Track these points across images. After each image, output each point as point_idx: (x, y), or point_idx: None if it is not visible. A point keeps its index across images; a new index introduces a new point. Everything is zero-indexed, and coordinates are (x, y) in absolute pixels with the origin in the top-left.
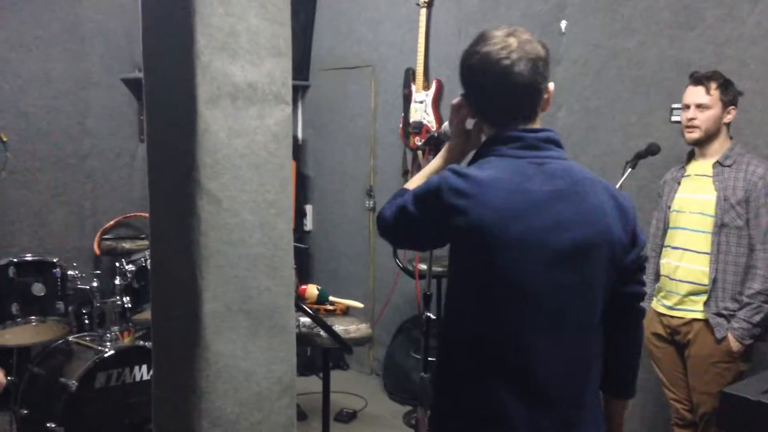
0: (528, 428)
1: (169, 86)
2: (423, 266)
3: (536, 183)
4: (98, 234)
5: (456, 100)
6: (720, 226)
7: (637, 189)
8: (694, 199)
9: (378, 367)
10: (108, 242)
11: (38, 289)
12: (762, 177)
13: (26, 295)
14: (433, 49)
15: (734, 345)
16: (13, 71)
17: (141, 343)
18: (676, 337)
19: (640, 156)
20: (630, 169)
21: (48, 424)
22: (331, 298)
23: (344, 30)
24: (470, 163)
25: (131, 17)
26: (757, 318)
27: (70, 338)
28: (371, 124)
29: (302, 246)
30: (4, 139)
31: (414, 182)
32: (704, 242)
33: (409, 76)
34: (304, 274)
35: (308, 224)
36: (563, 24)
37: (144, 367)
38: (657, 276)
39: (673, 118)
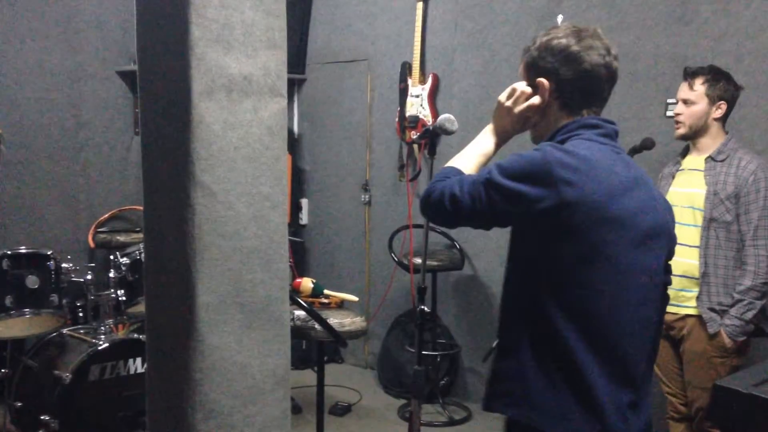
0: (612, 404)
1: (163, 78)
2: (418, 260)
3: (620, 168)
4: (93, 227)
5: (522, 85)
6: (709, 221)
7: None
8: (685, 192)
9: (373, 360)
10: (102, 235)
11: (32, 281)
12: (753, 172)
13: (20, 288)
14: (429, 43)
15: (727, 342)
16: (7, 63)
17: (135, 335)
18: (671, 332)
19: (635, 150)
20: None
21: (42, 417)
22: (325, 291)
23: (340, 23)
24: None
25: (126, 9)
26: (749, 315)
27: (64, 331)
28: (367, 118)
29: (298, 240)
30: None
31: (461, 161)
32: (695, 236)
33: (406, 70)
34: (299, 268)
35: (304, 218)
36: (559, 18)
37: (138, 360)
38: None
39: (668, 113)
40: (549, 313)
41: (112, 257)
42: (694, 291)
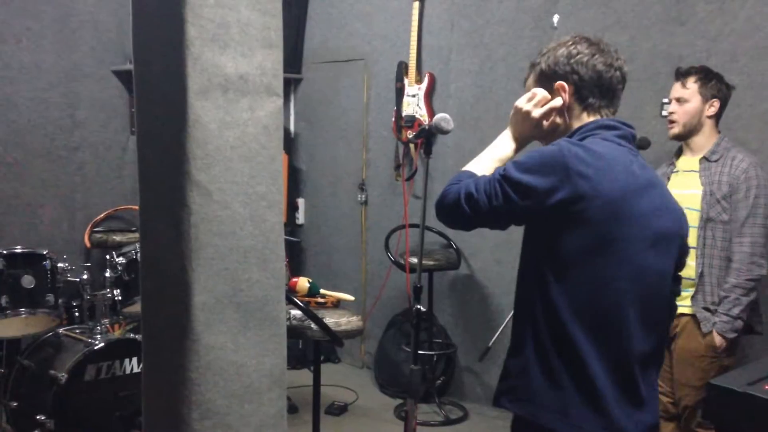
0: (615, 401)
1: (159, 78)
2: (414, 260)
3: (637, 169)
4: (89, 226)
5: (542, 90)
6: (706, 221)
7: None
8: (682, 194)
9: (369, 360)
10: (99, 235)
11: (28, 281)
12: (745, 171)
13: (16, 288)
14: (425, 42)
15: (717, 340)
16: (3, 63)
17: (131, 335)
18: None
19: None
20: None
21: (38, 417)
22: (322, 291)
23: (337, 23)
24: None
25: (122, 8)
26: (736, 311)
27: (60, 331)
28: (363, 118)
29: (294, 239)
30: None
31: (478, 166)
32: (691, 237)
33: (402, 69)
34: (296, 268)
35: (300, 218)
36: (556, 18)
37: (134, 360)
38: None
39: (664, 113)
40: (554, 307)
41: (108, 257)
42: (690, 291)
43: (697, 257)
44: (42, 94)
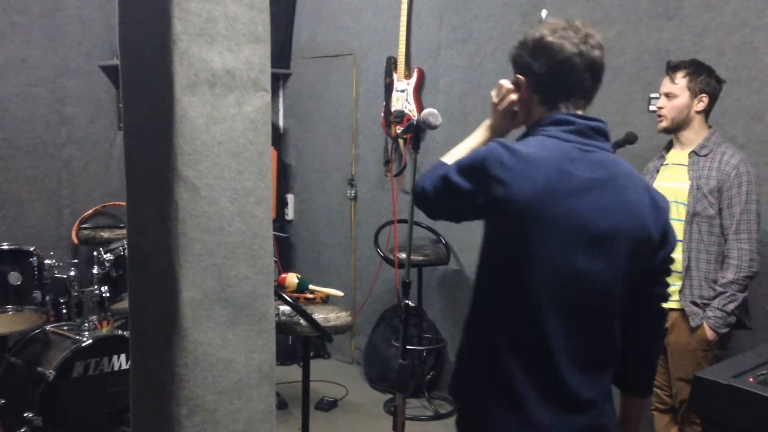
0: (536, 401)
1: (146, 73)
2: (402, 255)
3: (579, 168)
4: (76, 223)
5: (506, 82)
6: (692, 215)
7: None
8: (669, 187)
9: (359, 355)
10: (86, 231)
11: (15, 278)
12: (736, 167)
13: (2, 284)
14: (414, 37)
15: (709, 334)
16: None
17: (119, 332)
18: None
19: (618, 145)
20: None
21: (25, 414)
22: (310, 286)
23: (325, 18)
24: (518, 140)
25: (109, 3)
26: (731, 306)
27: (48, 327)
28: (353, 113)
29: (283, 235)
30: None
31: (451, 156)
32: (678, 231)
33: (391, 64)
34: (285, 264)
35: (290, 213)
36: (544, 13)
37: (122, 357)
38: None
39: (651, 108)
40: (484, 308)
41: (95, 253)
42: (677, 285)
43: (683, 251)
44: (29, 90)
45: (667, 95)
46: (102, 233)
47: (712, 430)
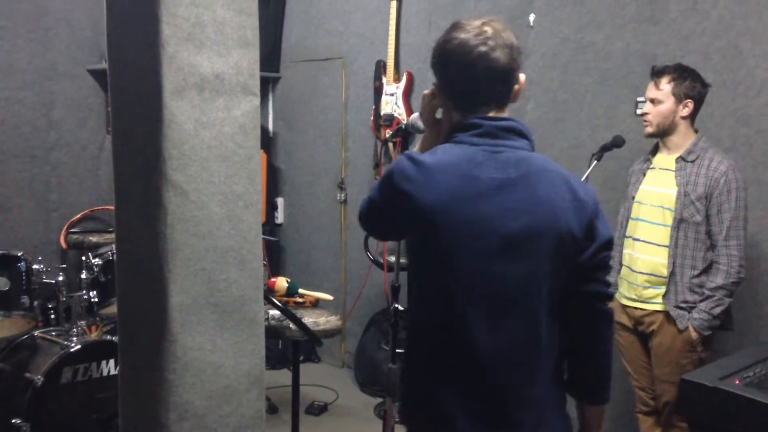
0: (469, 423)
1: (134, 77)
2: (392, 258)
3: (485, 170)
4: (65, 227)
5: (427, 90)
6: (679, 221)
7: (602, 181)
8: (656, 192)
9: (349, 359)
10: (75, 236)
11: (2, 283)
12: (724, 174)
13: None
14: (403, 41)
15: (694, 335)
16: None
17: (108, 337)
18: (640, 327)
19: (605, 148)
20: (596, 162)
21: (13, 421)
22: (300, 290)
23: (315, 21)
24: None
25: (97, 7)
26: (717, 310)
27: (36, 333)
28: (342, 117)
29: (273, 239)
30: None
31: None
32: (664, 235)
33: (380, 68)
34: (275, 267)
35: (279, 217)
36: (532, 17)
37: (111, 362)
38: (620, 266)
39: (638, 111)
40: (414, 328)
41: (84, 258)
42: (662, 288)
43: (669, 256)
44: (17, 94)
45: (653, 101)
46: (90, 238)
47: None
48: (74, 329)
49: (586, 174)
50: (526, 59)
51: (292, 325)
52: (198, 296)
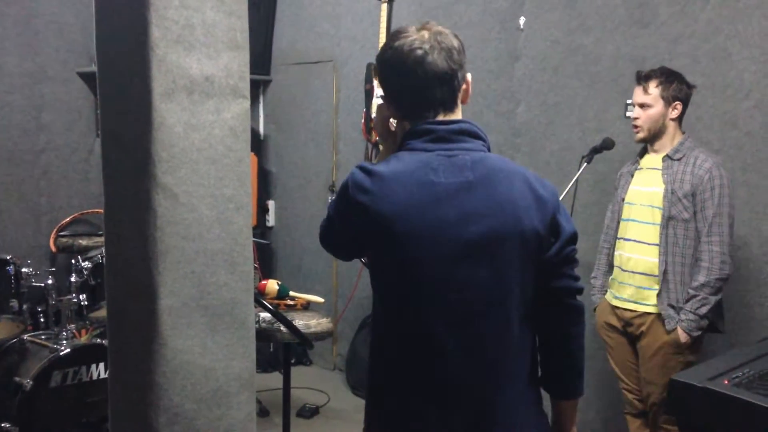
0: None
1: (123, 80)
2: None
3: (441, 175)
4: (54, 231)
5: (379, 102)
6: (668, 219)
7: (593, 183)
8: (645, 191)
9: (341, 362)
10: (64, 239)
11: None
12: (708, 171)
13: None
14: None
15: (682, 336)
16: None
17: (98, 340)
18: (629, 329)
19: (595, 151)
20: (586, 164)
21: (2, 425)
22: (291, 293)
23: (305, 24)
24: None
25: (86, 10)
26: (703, 310)
27: (25, 337)
28: (333, 120)
29: (263, 242)
30: None
31: None
32: (654, 234)
33: (371, 71)
34: (266, 270)
35: (270, 220)
36: (522, 20)
37: (101, 366)
38: (611, 267)
39: (628, 114)
40: (377, 336)
41: (73, 261)
42: (655, 288)
43: (660, 255)
44: (5, 97)
45: (642, 105)
46: (80, 241)
47: None
48: (64, 333)
49: (576, 176)
50: (516, 62)
51: (283, 328)
52: (188, 299)
